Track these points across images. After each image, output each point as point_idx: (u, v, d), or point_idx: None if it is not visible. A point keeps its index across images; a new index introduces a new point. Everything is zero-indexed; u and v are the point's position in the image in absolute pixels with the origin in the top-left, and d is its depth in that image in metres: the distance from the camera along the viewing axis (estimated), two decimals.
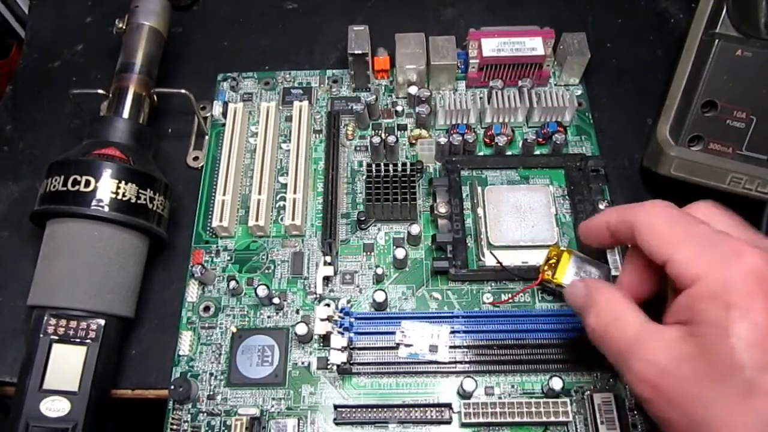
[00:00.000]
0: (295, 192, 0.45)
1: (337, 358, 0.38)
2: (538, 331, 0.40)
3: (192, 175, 0.49)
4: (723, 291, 0.25)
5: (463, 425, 0.38)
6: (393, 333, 0.39)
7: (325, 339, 0.40)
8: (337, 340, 0.38)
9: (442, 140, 0.46)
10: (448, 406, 0.38)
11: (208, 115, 0.50)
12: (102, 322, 0.38)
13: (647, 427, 0.37)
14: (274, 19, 0.57)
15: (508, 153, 0.48)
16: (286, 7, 0.57)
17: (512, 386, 0.39)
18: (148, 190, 0.41)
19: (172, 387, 0.38)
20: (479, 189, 0.45)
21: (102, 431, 0.39)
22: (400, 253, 0.42)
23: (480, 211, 0.44)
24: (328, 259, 0.42)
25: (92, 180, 0.39)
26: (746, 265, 0.25)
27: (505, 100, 0.47)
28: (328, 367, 0.40)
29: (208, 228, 0.45)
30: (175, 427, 0.39)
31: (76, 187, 0.39)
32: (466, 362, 0.39)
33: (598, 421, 0.37)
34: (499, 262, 0.41)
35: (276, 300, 0.41)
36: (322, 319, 0.39)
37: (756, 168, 0.41)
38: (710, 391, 0.25)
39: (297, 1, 0.58)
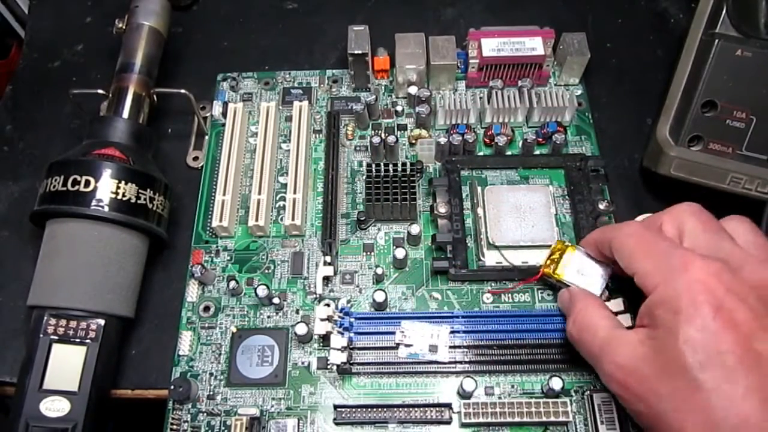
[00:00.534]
0: (295, 192, 0.45)
1: (337, 358, 0.38)
2: (538, 331, 0.40)
3: (192, 175, 0.49)
4: (673, 298, 0.29)
5: (463, 425, 0.38)
6: (393, 333, 0.39)
7: (325, 339, 0.40)
8: (337, 340, 0.38)
9: (442, 140, 0.46)
10: (448, 406, 0.38)
11: (208, 115, 0.50)
12: (102, 322, 0.38)
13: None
14: (274, 19, 0.57)
15: (508, 153, 0.48)
16: (286, 7, 0.57)
17: (512, 386, 0.39)
18: (148, 190, 0.41)
19: (172, 387, 0.38)
20: (479, 189, 0.45)
21: (102, 431, 0.39)
22: (400, 253, 0.42)
23: (480, 211, 0.44)
24: (328, 259, 0.42)
25: (92, 180, 0.39)
26: (692, 275, 0.29)
27: (505, 100, 0.47)
28: (328, 367, 0.40)
29: (208, 228, 0.45)
30: (175, 427, 0.39)
31: (76, 187, 0.39)
32: (466, 362, 0.39)
33: (598, 421, 0.37)
34: (505, 259, 0.41)
35: (276, 300, 0.41)
36: (322, 319, 0.39)
37: (756, 168, 0.41)
38: (665, 387, 0.28)
39: (297, 1, 0.58)
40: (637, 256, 0.32)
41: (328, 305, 0.40)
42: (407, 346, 0.39)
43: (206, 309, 0.43)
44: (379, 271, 0.42)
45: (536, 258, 0.42)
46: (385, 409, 0.38)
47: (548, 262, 0.40)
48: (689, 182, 0.43)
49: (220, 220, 0.44)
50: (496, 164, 0.47)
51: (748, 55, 0.41)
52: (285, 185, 0.46)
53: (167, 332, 0.42)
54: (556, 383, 0.37)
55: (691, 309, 0.28)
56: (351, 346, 0.39)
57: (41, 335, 0.37)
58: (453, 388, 0.39)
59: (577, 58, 0.48)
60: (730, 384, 0.27)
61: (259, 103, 0.51)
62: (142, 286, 0.43)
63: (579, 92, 0.51)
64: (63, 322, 0.38)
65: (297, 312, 0.42)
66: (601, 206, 0.43)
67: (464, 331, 0.40)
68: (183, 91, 0.47)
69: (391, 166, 0.44)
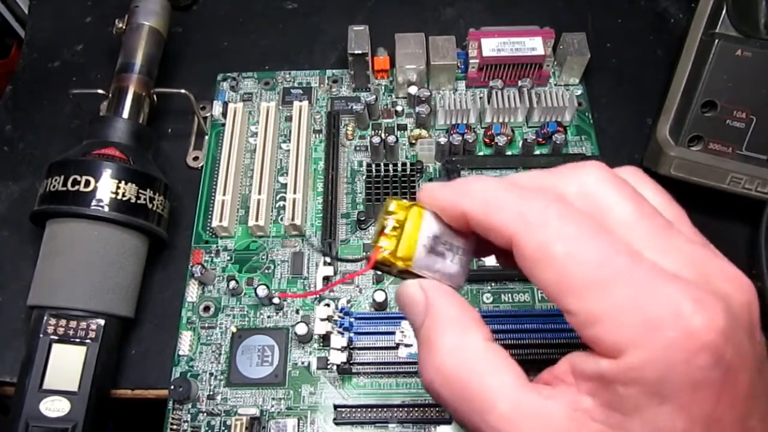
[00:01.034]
0: (295, 192, 0.45)
1: (337, 358, 0.38)
2: (538, 332, 0.39)
3: (192, 175, 0.48)
4: (658, 377, 0.17)
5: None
6: (393, 333, 0.39)
7: (325, 339, 0.40)
8: (337, 340, 0.38)
9: (442, 140, 0.46)
10: None
11: (208, 115, 0.50)
12: (102, 322, 0.38)
13: None
14: (274, 19, 0.57)
15: (508, 153, 0.48)
16: (286, 7, 0.57)
17: None
18: (148, 190, 0.41)
19: (172, 387, 0.38)
20: None
21: (102, 431, 0.39)
22: None
23: None
24: (328, 259, 0.42)
25: (92, 180, 0.39)
26: (693, 339, 0.16)
27: (505, 100, 0.47)
28: (328, 367, 0.40)
29: (208, 228, 0.45)
30: (175, 427, 0.39)
31: (76, 187, 0.39)
32: None
33: None
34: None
35: (276, 300, 0.41)
36: (322, 319, 0.39)
37: (756, 168, 0.41)
38: None
39: (297, 1, 0.58)
40: (573, 280, 0.18)
41: (328, 305, 0.40)
42: (407, 346, 0.39)
43: (206, 309, 0.43)
44: (379, 271, 0.42)
45: None
46: (385, 409, 0.38)
47: (384, 238, 0.22)
48: (689, 182, 0.43)
49: (220, 220, 0.44)
50: (496, 164, 0.47)
51: (748, 55, 0.41)
52: (285, 185, 0.46)
53: (167, 332, 0.42)
54: None
55: (688, 396, 0.17)
56: (351, 346, 0.39)
57: (41, 335, 0.37)
58: None
59: (577, 58, 0.48)
60: None
61: (259, 103, 0.51)
62: (142, 286, 0.43)
63: (579, 92, 0.51)
64: (63, 322, 0.38)
65: (297, 312, 0.42)
66: None
67: None
68: (183, 91, 0.47)
69: (391, 166, 0.44)
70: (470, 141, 0.46)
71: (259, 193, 0.45)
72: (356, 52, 0.48)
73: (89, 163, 0.40)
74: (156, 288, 0.44)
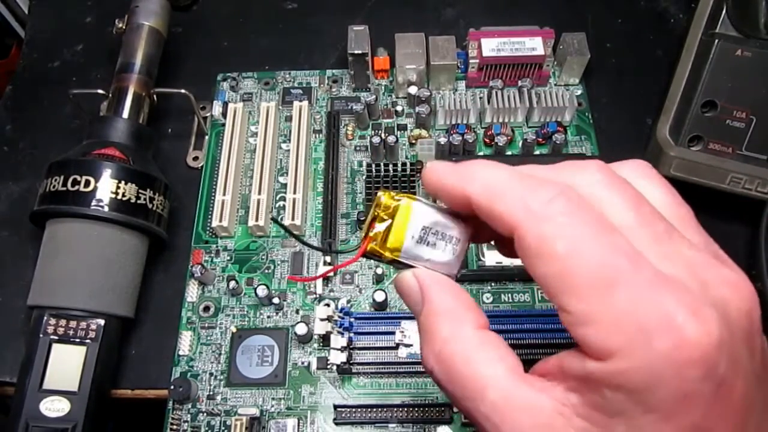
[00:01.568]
0: (295, 192, 0.45)
1: (337, 358, 0.38)
2: (538, 332, 0.39)
3: (192, 175, 0.48)
4: (647, 385, 0.16)
5: (464, 425, 0.38)
6: (393, 333, 0.39)
7: (325, 339, 0.40)
8: (337, 340, 0.38)
9: (442, 140, 0.46)
10: (448, 405, 0.38)
11: (208, 115, 0.50)
12: (102, 322, 0.38)
13: None
14: (274, 19, 0.57)
15: (508, 153, 0.48)
16: (286, 7, 0.57)
17: None
18: (148, 190, 0.41)
19: (172, 387, 0.38)
20: None
21: (102, 431, 0.39)
22: None
23: None
24: (328, 258, 0.42)
25: (92, 180, 0.39)
26: (685, 350, 0.16)
27: (505, 100, 0.47)
28: (328, 367, 0.40)
29: (208, 228, 0.45)
30: (174, 427, 0.39)
31: (76, 187, 0.39)
32: None
33: None
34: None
35: (276, 300, 0.41)
36: (322, 319, 0.39)
37: (756, 168, 0.41)
38: None
39: (297, 1, 0.58)
40: (571, 279, 0.17)
41: (328, 305, 0.40)
42: (407, 346, 0.39)
43: (206, 309, 0.43)
44: (379, 271, 0.42)
45: None
46: (385, 409, 0.38)
47: (373, 229, 0.23)
48: (689, 182, 0.43)
49: (220, 220, 0.44)
50: None
51: (748, 55, 0.41)
52: (285, 185, 0.46)
53: (167, 332, 0.42)
54: None
55: (679, 407, 0.16)
56: (351, 346, 0.39)
57: (41, 335, 0.37)
58: None
59: (577, 58, 0.48)
60: None
61: (259, 103, 0.51)
62: (142, 286, 0.43)
63: (579, 92, 0.51)
64: (63, 322, 0.38)
65: (297, 312, 0.42)
66: None
67: None
68: (183, 91, 0.47)
69: (391, 166, 0.44)
70: (470, 141, 0.46)
71: (259, 193, 0.45)
72: (356, 52, 0.48)
73: (89, 163, 0.40)
74: (156, 288, 0.44)
